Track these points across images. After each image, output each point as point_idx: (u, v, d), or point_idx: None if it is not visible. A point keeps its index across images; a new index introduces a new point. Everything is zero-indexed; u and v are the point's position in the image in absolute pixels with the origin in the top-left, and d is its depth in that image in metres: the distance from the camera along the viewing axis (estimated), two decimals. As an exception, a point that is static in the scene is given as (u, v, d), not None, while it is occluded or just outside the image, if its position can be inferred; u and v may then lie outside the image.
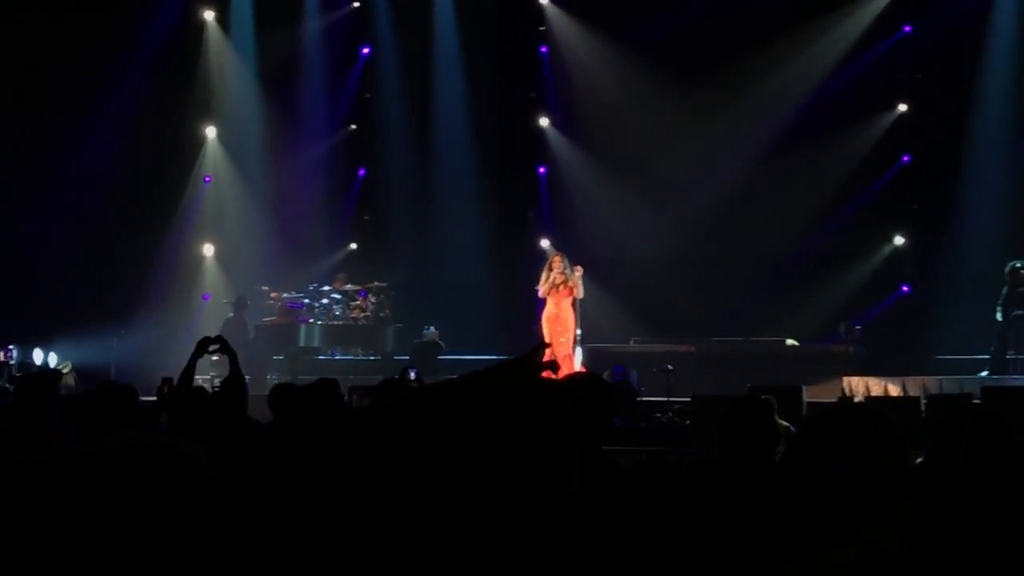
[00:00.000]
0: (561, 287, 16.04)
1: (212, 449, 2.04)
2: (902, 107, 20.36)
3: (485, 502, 2.45)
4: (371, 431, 2.48)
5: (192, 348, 7.65)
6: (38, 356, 18.57)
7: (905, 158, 20.40)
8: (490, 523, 2.46)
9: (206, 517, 1.91)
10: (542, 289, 16.19)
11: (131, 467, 1.86)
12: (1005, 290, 17.17)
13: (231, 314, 18.77)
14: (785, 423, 11.69)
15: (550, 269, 16.18)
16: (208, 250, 21.15)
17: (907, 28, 20.27)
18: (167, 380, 7.91)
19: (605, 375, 15.16)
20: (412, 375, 19.21)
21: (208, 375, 17.04)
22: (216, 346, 7.68)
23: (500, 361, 2.87)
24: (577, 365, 16.22)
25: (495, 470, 2.54)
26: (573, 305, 16.23)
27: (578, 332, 16.44)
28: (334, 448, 2.75)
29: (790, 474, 2.28)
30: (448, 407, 2.47)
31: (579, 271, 16.21)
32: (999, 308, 17.18)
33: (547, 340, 16.06)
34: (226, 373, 7.61)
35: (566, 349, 15.99)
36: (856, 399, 15.15)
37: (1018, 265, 17.05)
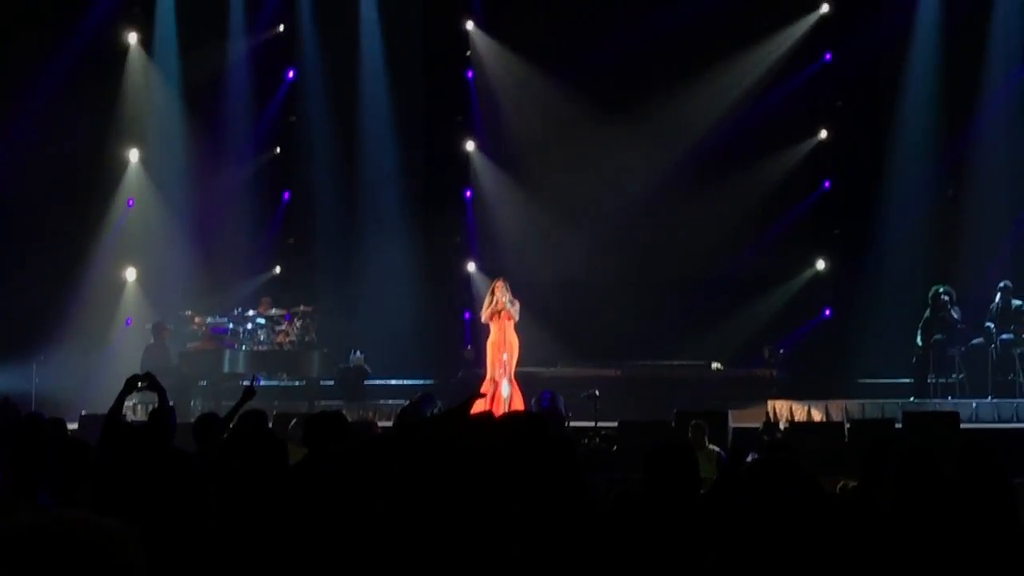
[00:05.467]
0: (503, 312, 16.06)
1: (137, 524, 1.89)
2: (823, 133, 20.62)
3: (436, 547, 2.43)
4: (322, 483, 2.44)
5: (113, 375, 7.58)
6: (-45, 382, 18.13)
7: (826, 183, 20.65)
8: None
9: None
10: (485, 314, 16.18)
11: (45, 550, 1.71)
12: (927, 314, 17.41)
13: (152, 340, 18.55)
14: (716, 448, 11.79)
15: (492, 294, 16.16)
16: (130, 274, 20.79)
17: (828, 56, 20.55)
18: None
19: (532, 401, 15.17)
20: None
21: (131, 402, 16.79)
22: (145, 383, 7.62)
23: (437, 414, 2.89)
24: (505, 391, 16.19)
25: (441, 515, 2.52)
26: (515, 329, 16.27)
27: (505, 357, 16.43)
28: (280, 496, 2.70)
29: (713, 522, 2.29)
30: (395, 457, 2.45)
31: (518, 303, 16.27)
32: (920, 332, 17.42)
33: (490, 365, 16.09)
34: (147, 400, 7.54)
35: (512, 372, 16.07)
36: (780, 424, 15.27)
37: (941, 291, 17.30)
